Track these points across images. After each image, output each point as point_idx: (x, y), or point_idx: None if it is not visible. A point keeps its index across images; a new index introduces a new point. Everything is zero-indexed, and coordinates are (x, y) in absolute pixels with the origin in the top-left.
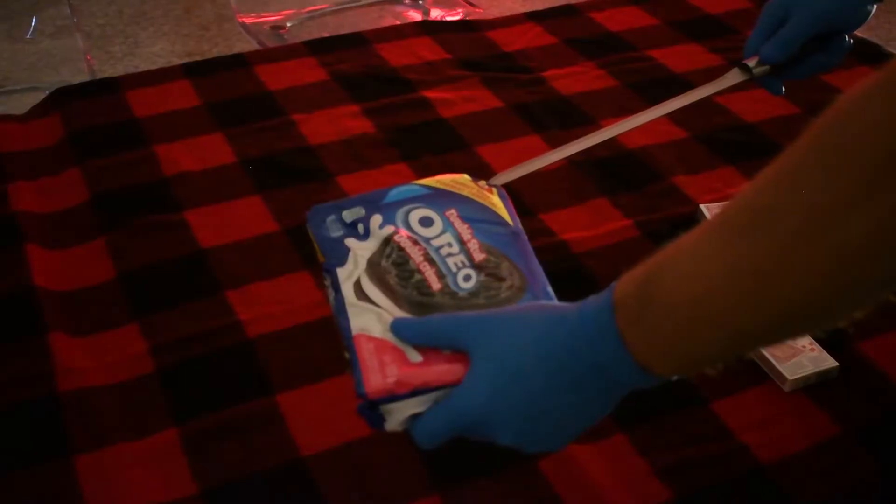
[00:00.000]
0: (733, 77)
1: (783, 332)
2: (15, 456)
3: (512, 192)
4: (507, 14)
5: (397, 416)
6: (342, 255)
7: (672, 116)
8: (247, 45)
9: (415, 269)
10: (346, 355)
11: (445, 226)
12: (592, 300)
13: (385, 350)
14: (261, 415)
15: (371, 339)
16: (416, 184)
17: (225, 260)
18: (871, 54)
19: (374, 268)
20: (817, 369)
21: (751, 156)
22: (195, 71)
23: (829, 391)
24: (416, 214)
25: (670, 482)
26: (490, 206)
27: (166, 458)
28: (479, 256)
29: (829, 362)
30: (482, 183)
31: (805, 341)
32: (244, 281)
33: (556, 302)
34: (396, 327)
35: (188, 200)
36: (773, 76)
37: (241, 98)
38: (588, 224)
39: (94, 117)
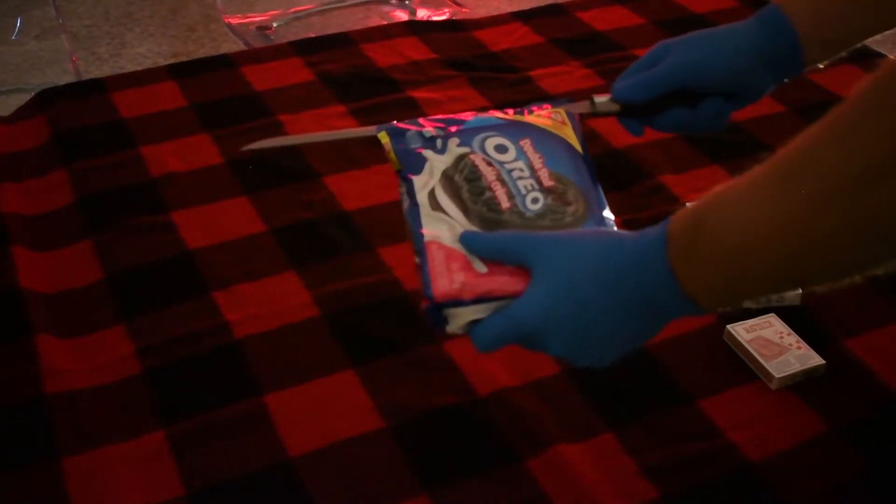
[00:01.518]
0: (581, 107)
1: (820, 276)
2: (1, 458)
3: None
4: (494, 14)
5: (459, 320)
6: (419, 164)
7: None
8: (233, 45)
9: (486, 186)
10: (416, 260)
11: (518, 154)
12: (650, 231)
13: (454, 258)
14: (248, 416)
15: (442, 246)
16: (493, 115)
17: (212, 261)
18: (856, 53)
19: (447, 180)
20: (804, 367)
21: (737, 154)
22: (181, 72)
23: (816, 389)
24: (492, 142)
25: (658, 481)
26: (563, 136)
27: (153, 460)
28: (547, 182)
29: (816, 360)
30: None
31: (792, 339)
32: (231, 282)
33: (615, 229)
34: (466, 239)
35: (175, 201)
36: (630, 117)
37: (228, 99)
38: None
39: (81, 118)
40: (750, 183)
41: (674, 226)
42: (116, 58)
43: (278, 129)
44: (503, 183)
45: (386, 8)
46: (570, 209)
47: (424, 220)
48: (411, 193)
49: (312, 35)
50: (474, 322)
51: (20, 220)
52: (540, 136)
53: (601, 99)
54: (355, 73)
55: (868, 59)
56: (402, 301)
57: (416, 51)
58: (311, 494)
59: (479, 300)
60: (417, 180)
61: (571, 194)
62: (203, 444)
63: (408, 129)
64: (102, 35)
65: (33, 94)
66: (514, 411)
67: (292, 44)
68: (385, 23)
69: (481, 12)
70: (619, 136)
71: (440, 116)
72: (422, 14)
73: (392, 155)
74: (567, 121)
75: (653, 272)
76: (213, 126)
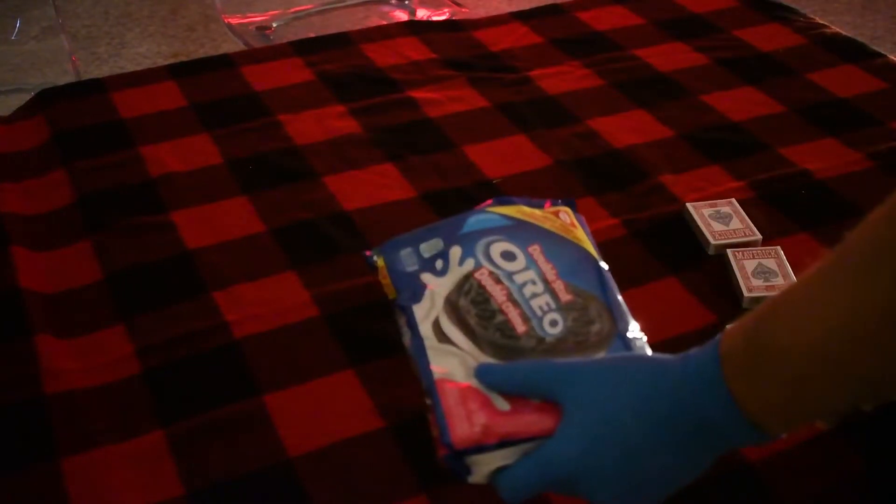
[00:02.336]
0: None
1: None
2: (1, 458)
3: (499, 191)
4: (493, 14)
5: (483, 468)
6: (418, 291)
7: (657, 115)
8: (233, 45)
9: (497, 309)
10: (427, 401)
11: (529, 262)
12: (696, 352)
13: (471, 397)
14: (247, 416)
15: (455, 384)
16: (494, 212)
17: (211, 261)
18: (856, 52)
19: (452, 306)
20: None
21: (736, 154)
22: (181, 72)
23: None
24: (498, 248)
25: None
26: (574, 240)
27: (153, 460)
28: (565, 297)
29: None
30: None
31: None
32: (230, 282)
33: (652, 353)
34: (482, 372)
35: (174, 201)
36: None
37: (228, 99)
38: None
39: (80, 118)
40: (816, 280)
41: (727, 341)
42: (116, 58)
43: (278, 129)
44: (515, 304)
45: (385, 8)
46: (594, 328)
47: (431, 355)
48: (412, 325)
49: (312, 35)
50: (501, 468)
51: (20, 219)
52: (550, 241)
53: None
54: (355, 73)
55: (868, 58)
56: None
57: (415, 51)
58: (311, 494)
59: (504, 443)
60: (418, 309)
61: (594, 311)
62: (203, 444)
63: (404, 247)
64: (102, 35)
65: (33, 94)
66: None
67: (292, 44)
68: (385, 23)
69: (481, 12)
70: (618, 136)
71: (438, 223)
72: (421, 14)
73: (387, 280)
74: (576, 222)
75: (708, 397)
76: (213, 126)
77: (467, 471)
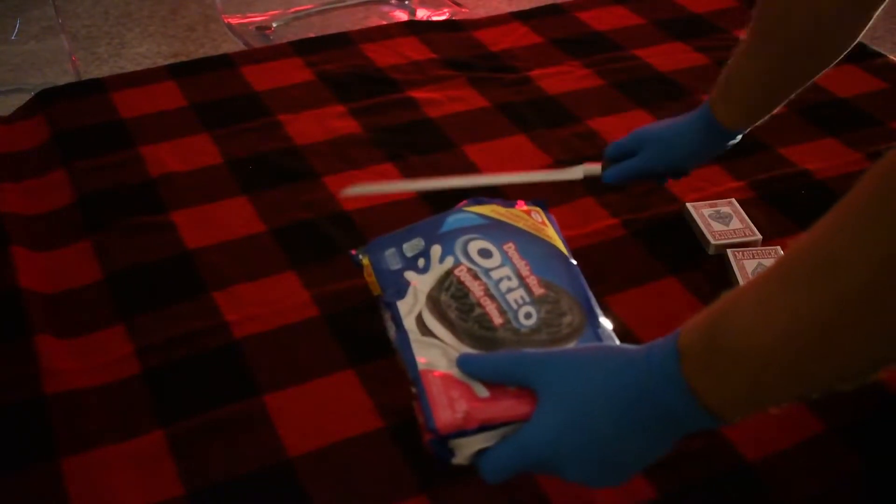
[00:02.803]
0: (573, 173)
1: (853, 378)
2: (1, 458)
3: (500, 192)
4: (493, 14)
5: (465, 450)
6: (402, 288)
7: (657, 115)
8: (233, 45)
9: (475, 303)
10: (413, 390)
11: (504, 259)
12: (659, 345)
13: (453, 385)
14: (247, 416)
15: (438, 374)
16: (471, 211)
17: (211, 261)
18: (856, 52)
19: (434, 301)
20: None
21: (736, 154)
22: (181, 72)
23: None
24: (475, 245)
25: (656, 480)
26: (545, 237)
27: (153, 460)
28: (538, 291)
29: None
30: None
31: None
32: (230, 282)
33: (619, 344)
34: (463, 362)
35: (174, 201)
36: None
37: (228, 99)
38: (575, 223)
39: (80, 118)
40: (765, 286)
41: (684, 339)
42: (116, 58)
43: (278, 129)
44: (492, 298)
45: (385, 8)
46: (566, 320)
47: (415, 347)
48: (397, 320)
49: (312, 35)
50: (482, 451)
51: (19, 219)
52: (523, 239)
53: (590, 168)
54: (355, 73)
55: (867, 59)
56: None
57: (415, 51)
58: (311, 494)
59: (483, 427)
60: (402, 305)
61: (565, 304)
62: (202, 444)
63: (388, 247)
64: (102, 35)
65: (33, 94)
66: None
67: (292, 44)
68: (385, 23)
69: (481, 12)
70: (618, 136)
71: (419, 223)
72: (421, 14)
73: (373, 277)
74: (547, 221)
75: (669, 391)
76: (213, 126)
77: (451, 454)
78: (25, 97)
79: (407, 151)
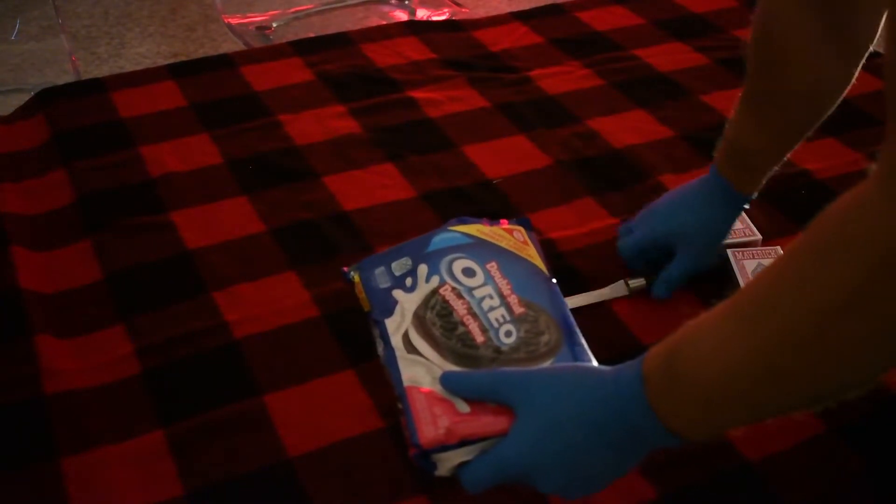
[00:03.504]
0: (617, 290)
1: (794, 405)
2: (1, 458)
3: (500, 191)
4: (493, 14)
5: (447, 463)
6: (389, 306)
7: (657, 115)
8: (233, 45)
9: (458, 321)
10: (399, 405)
11: (487, 278)
12: (627, 369)
13: (435, 402)
14: (247, 416)
15: (422, 390)
16: (456, 231)
17: (211, 261)
18: None
19: (419, 319)
20: None
21: None
22: (181, 71)
23: None
24: (459, 265)
25: (656, 480)
26: (527, 257)
27: (152, 460)
28: (518, 310)
29: None
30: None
31: None
32: (230, 282)
33: (592, 364)
34: (445, 380)
35: (174, 201)
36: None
37: (227, 99)
38: (575, 223)
39: (80, 118)
40: (718, 321)
41: (648, 365)
42: (116, 58)
43: (278, 129)
44: (475, 316)
45: (385, 8)
46: (544, 339)
47: (401, 364)
48: (384, 337)
49: (312, 35)
50: (463, 464)
51: (19, 219)
52: (505, 258)
53: (635, 283)
54: (355, 73)
55: (868, 58)
56: None
57: (415, 51)
58: (311, 494)
59: (465, 442)
60: (390, 323)
61: (543, 323)
62: (202, 444)
63: (378, 265)
64: (102, 35)
65: (33, 93)
66: None
67: (292, 44)
68: (384, 23)
69: (481, 12)
70: (618, 136)
71: (406, 243)
72: (421, 14)
73: (363, 294)
74: (528, 240)
75: (634, 411)
76: (213, 126)
77: (434, 466)
78: (25, 97)
79: (407, 151)
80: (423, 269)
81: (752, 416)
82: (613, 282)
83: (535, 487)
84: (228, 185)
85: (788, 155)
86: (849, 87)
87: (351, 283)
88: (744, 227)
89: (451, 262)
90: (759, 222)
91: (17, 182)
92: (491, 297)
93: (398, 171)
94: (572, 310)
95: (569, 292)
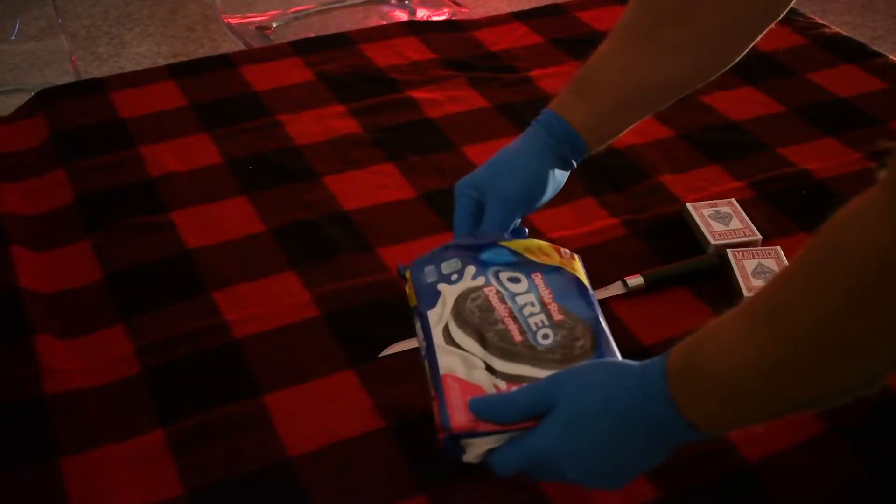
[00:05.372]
0: (615, 289)
1: (808, 402)
2: (1, 458)
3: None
4: (493, 14)
5: (476, 449)
6: (434, 298)
7: (657, 115)
8: (233, 45)
9: (499, 319)
10: (433, 392)
11: (531, 286)
12: (653, 364)
13: (469, 391)
14: (247, 415)
15: (457, 379)
16: (505, 247)
17: (211, 261)
18: (855, 52)
19: (460, 309)
20: None
21: (736, 154)
22: (181, 71)
23: None
24: (506, 274)
25: (657, 481)
26: (571, 270)
27: (153, 460)
28: (557, 317)
29: None
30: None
31: None
32: (230, 282)
33: (620, 360)
34: (478, 408)
35: (174, 201)
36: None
37: (227, 99)
38: (574, 223)
39: (80, 118)
40: (734, 320)
41: (672, 361)
42: (116, 58)
43: (278, 129)
44: (515, 320)
45: (385, 8)
46: (579, 343)
47: (439, 353)
48: (426, 329)
49: (312, 35)
50: (490, 451)
51: (19, 219)
52: (550, 271)
53: (633, 281)
54: (355, 73)
55: (867, 58)
56: (402, 301)
57: (415, 51)
58: (311, 494)
59: (493, 432)
60: (432, 315)
61: (579, 330)
62: (202, 444)
63: (428, 264)
64: (102, 35)
65: (32, 93)
66: None
67: (292, 44)
68: (384, 23)
69: (481, 12)
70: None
71: (460, 244)
72: (421, 14)
73: (412, 290)
74: (575, 257)
75: (657, 403)
76: (213, 126)
77: (462, 451)
78: (25, 97)
79: (407, 151)
80: (470, 269)
81: (767, 411)
82: (613, 282)
83: (561, 476)
84: (228, 185)
85: (652, 109)
86: (757, 39)
87: (404, 278)
88: (744, 227)
89: (497, 272)
90: (759, 222)
91: (17, 182)
92: (532, 305)
93: (398, 171)
94: None
95: None
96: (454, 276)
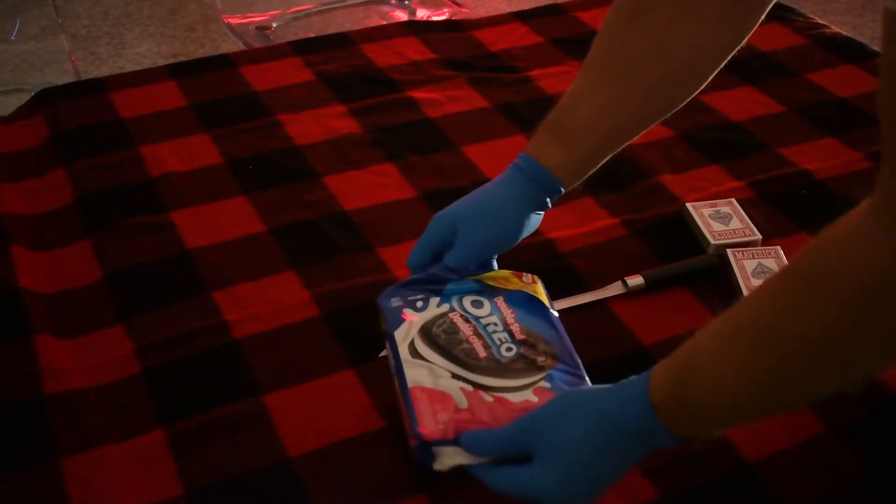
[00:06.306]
0: (615, 289)
1: (794, 406)
2: (1, 458)
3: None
4: (493, 14)
5: (445, 459)
6: (399, 320)
7: None
8: (233, 45)
9: (464, 339)
10: (402, 406)
11: (493, 309)
12: (634, 400)
13: (436, 399)
14: (247, 415)
15: (424, 389)
16: (470, 280)
17: (211, 261)
18: (855, 52)
19: (425, 332)
20: None
21: (736, 154)
22: (181, 72)
23: None
24: (469, 298)
25: (657, 481)
26: (532, 293)
27: (153, 460)
28: (519, 335)
29: None
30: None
31: None
32: (230, 281)
33: (593, 391)
34: (465, 441)
35: (174, 201)
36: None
37: (227, 99)
38: (574, 223)
39: (80, 118)
40: (719, 339)
41: (656, 394)
42: (116, 58)
43: (278, 129)
44: (479, 336)
45: (385, 8)
46: (541, 358)
47: (406, 367)
48: (394, 348)
49: (312, 35)
50: (462, 466)
51: (19, 219)
52: (512, 294)
53: (633, 281)
54: (355, 73)
55: (867, 59)
56: None
57: (415, 51)
58: (311, 494)
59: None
60: (398, 333)
61: (541, 347)
62: (202, 444)
63: (394, 295)
64: (102, 35)
65: (32, 93)
66: None
67: (292, 44)
68: (384, 23)
69: (481, 12)
70: None
71: (425, 278)
72: (421, 14)
73: (382, 315)
74: (537, 280)
75: (652, 435)
76: (213, 126)
77: (433, 458)
78: (25, 97)
79: (407, 151)
80: (435, 299)
81: (755, 420)
82: (612, 281)
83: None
84: (228, 185)
85: (627, 143)
86: (725, 61)
87: (378, 310)
88: (744, 227)
89: (461, 297)
90: (759, 222)
91: (17, 182)
92: (496, 324)
93: (398, 171)
94: (571, 309)
95: (567, 292)
96: (419, 304)
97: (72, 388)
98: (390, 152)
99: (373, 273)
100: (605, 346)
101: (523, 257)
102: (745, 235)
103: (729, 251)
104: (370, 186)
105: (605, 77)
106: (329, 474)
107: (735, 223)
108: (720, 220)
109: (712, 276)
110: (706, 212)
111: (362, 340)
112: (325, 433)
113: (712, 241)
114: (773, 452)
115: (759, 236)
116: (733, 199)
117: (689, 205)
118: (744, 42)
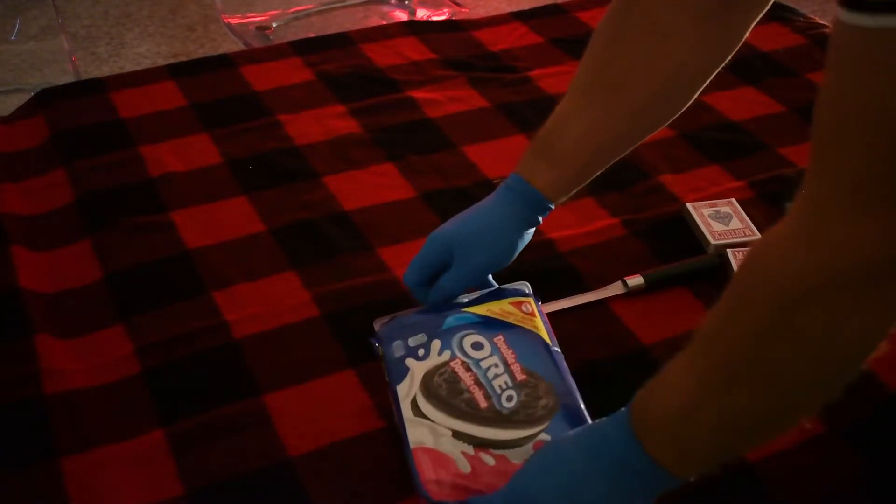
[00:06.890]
0: (615, 289)
1: (760, 435)
2: (1, 458)
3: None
4: (493, 14)
5: None
6: (402, 373)
7: None
8: (232, 45)
9: (465, 389)
10: (408, 462)
11: (493, 350)
12: (614, 426)
13: (439, 461)
14: (247, 415)
15: (427, 450)
16: (469, 312)
17: (211, 260)
18: None
19: (427, 383)
20: None
21: (736, 154)
22: (181, 72)
23: None
24: (469, 340)
25: None
26: (532, 328)
27: (152, 460)
28: (520, 377)
29: None
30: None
31: None
32: (230, 281)
33: (571, 434)
34: None
35: (174, 201)
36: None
37: (227, 99)
38: (574, 223)
39: (80, 118)
40: (681, 353)
41: (639, 429)
42: (116, 58)
43: (278, 129)
44: (480, 385)
45: (385, 8)
46: (542, 403)
47: (408, 426)
48: (396, 403)
49: (312, 35)
50: None
51: (19, 219)
52: (512, 332)
53: (633, 281)
54: (355, 73)
55: None
56: (402, 301)
57: (415, 51)
58: (311, 494)
59: (468, 501)
60: (400, 389)
61: (542, 389)
62: (202, 444)
63: (396, 338)
64: (102, 35)
65: (32, 93)
66: None
67: (292, 44)
68: (384, 23)
69: (481, 12)
70: None
71: (424, 318)
72: (421, 14)
73: (384, 364)
74: (535, 312)
75: (645, 478)
76: (213, 126)
77: None
78: (25, 97)
79: (407, 151)
80: (436, 343)
81: (716, 444)
82: (612, 281)
83: None
84: (228, 185)
85: (615, 160)
86: (706, 83)
87: (378, 355)
88: (744, 227)
89: (462, 338)
90: (759, 222)
91: (17, 182)
92: (496, 366)
93: (398, 171)
94: (571, 309)
95: (568, 292)
96: (421, 352)
97: (72, 388)
98: (390, 152)
99: (373, 273)
100: (605, 346)
101: (523, 257)
102: (745, 235)
103: (729, 251)
104: (370, 186)
105: (591, 98)
106: (329, 474)
107: (735, 223)
108: (720, 220)
109: (712, 276)
110: (706, 212)
111: (362, 340)
112: (325, 433)
113: (712, 241)
114: (773, 452)
115: (759, 236)
116: (733, 199)
117: (689, 205)
118: (727, 60)
